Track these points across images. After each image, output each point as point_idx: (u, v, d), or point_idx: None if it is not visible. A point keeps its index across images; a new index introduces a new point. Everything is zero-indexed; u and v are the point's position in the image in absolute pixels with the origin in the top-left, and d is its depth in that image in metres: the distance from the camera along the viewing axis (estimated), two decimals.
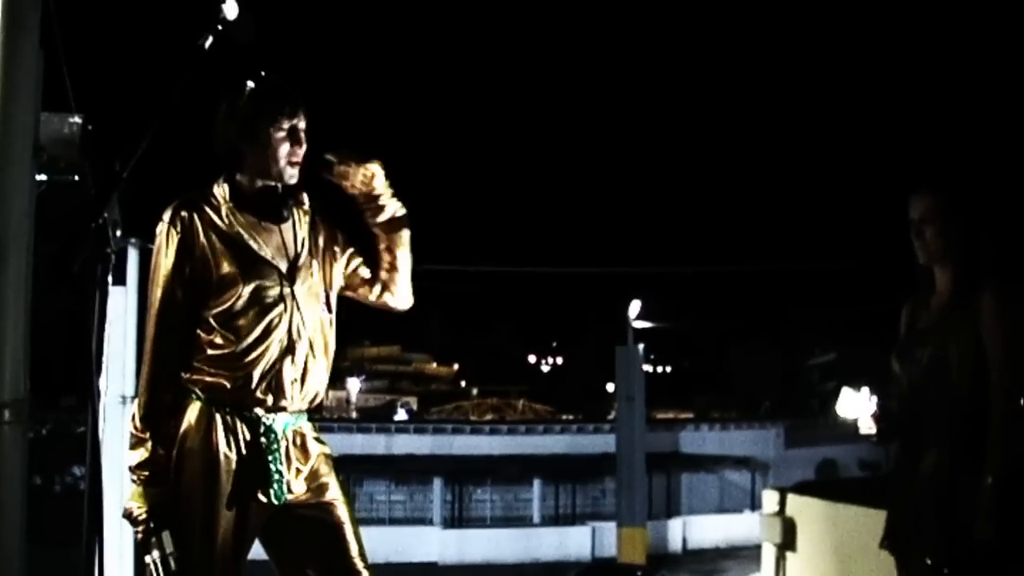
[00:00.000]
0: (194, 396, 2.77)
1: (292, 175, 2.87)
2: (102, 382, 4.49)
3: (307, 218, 2.95)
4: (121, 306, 6.82)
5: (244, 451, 2.76)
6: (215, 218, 2.80)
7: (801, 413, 35.80)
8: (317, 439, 2.92)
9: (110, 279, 2.52)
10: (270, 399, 2.78)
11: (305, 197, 2.97)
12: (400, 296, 3.06)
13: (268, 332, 2.77)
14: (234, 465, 2.74)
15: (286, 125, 2.83)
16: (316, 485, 2.86)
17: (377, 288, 3.04)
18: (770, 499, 8.60)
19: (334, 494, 2.89)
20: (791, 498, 8.31)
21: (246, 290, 2.76)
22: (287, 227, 2.89)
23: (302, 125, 2.87)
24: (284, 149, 2.84)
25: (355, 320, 3.15)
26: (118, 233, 2.24)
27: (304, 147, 2.88)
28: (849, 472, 26.82)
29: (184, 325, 2.76)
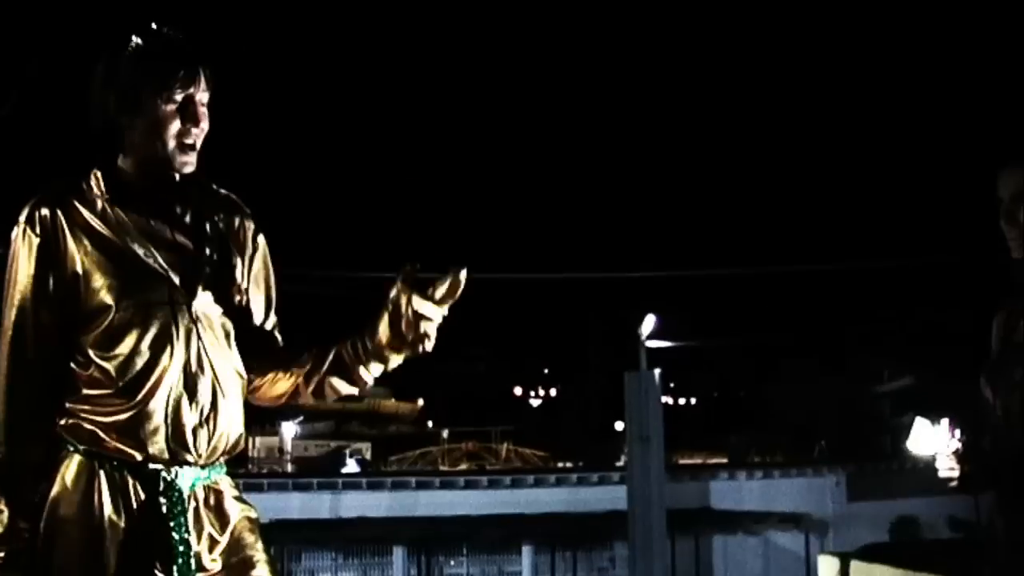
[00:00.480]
0: (69, 449, 2.74)
1: (184, 162, 2.84)
2: None
3: (219, 214, 2.92)
4: None
5: (138, 517, 2.73)
6: (87, 216, 2.78)
7: (868, 456, 35.89)
8: (238, 499, 2.90)
9: None
10: (168, 449, 2.75)
11: (215, 187, 2.94)
12: (267, 399, 3.03)
13: (158, 361, 2.75)
14: (124, 535, 2.71)
15: (179, 95, 2.80)
16: (237, 560, 2.84)
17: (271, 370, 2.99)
18: (828, 567, 8.62)
19: (261, 572, 2.87)
20: (856, 567, 8.31)
21: (127, 308, 2.74)
22: (185, 225, 2.87)
23: (203, 97, 2.84)
24: (174, 127, 2.80)
25: (287, 344, 3.12)
26: None
27: (204, 125, 2.85)
28: (935, 532, 26.79)
29: (51, 357, 2.75)
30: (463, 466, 42.68)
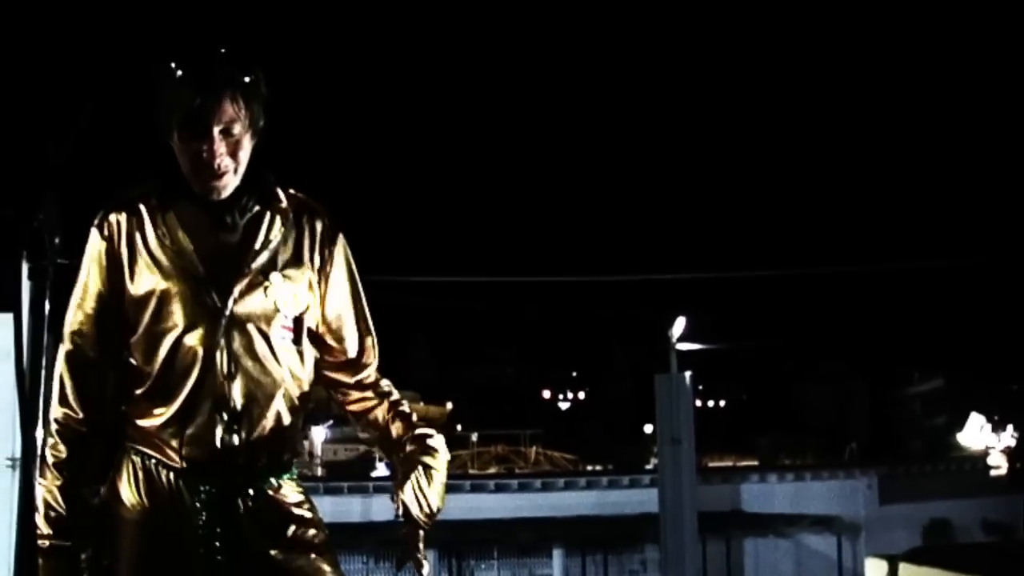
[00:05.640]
0: (128, 450, 2.81)
1: (209, 188, 2.78)
2: None
3: (282, 219, 2.87)
4: (7, 340, 6.76)
5: (179, 522, 2.77)
6: (147, 222, 2.82)
7: (900, 458, 35.72)
8: (298, 506, 2.88)
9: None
10: (202, 454, 2.77)
11: (280, 191, 2.89)
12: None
13: (190, 367, 2.77)
14: (168, 539, 2.76)
15: (198, 124, 2.71)
16: (288, 572, 2.81)
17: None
18: (876, 570, 8.57)
19: None
20: (905, 569, 8.25)
21: (164, 314, 2.78)
22: (241, 228, 2.85)
23: (228, 126, 2.73)
24: (191, 154, 2.74)
25: None
26: (56, 240, 2.23)
27: (226, 154, 2.74)
28: (969, 535, 26.66)
29: (110, 359, 2.81)
30: (492, 469, 42.70)
